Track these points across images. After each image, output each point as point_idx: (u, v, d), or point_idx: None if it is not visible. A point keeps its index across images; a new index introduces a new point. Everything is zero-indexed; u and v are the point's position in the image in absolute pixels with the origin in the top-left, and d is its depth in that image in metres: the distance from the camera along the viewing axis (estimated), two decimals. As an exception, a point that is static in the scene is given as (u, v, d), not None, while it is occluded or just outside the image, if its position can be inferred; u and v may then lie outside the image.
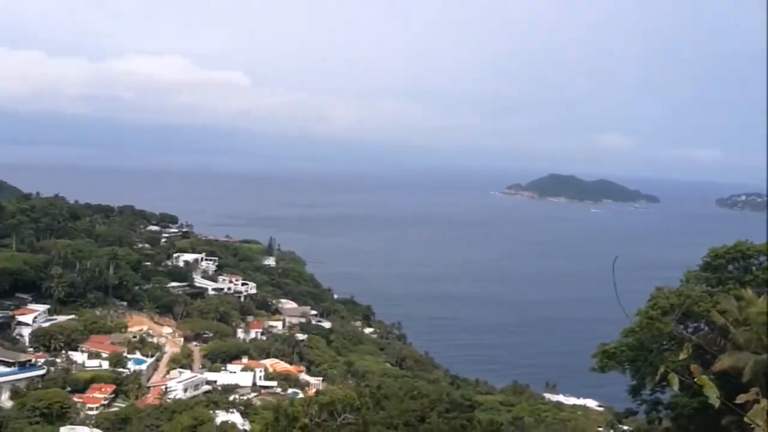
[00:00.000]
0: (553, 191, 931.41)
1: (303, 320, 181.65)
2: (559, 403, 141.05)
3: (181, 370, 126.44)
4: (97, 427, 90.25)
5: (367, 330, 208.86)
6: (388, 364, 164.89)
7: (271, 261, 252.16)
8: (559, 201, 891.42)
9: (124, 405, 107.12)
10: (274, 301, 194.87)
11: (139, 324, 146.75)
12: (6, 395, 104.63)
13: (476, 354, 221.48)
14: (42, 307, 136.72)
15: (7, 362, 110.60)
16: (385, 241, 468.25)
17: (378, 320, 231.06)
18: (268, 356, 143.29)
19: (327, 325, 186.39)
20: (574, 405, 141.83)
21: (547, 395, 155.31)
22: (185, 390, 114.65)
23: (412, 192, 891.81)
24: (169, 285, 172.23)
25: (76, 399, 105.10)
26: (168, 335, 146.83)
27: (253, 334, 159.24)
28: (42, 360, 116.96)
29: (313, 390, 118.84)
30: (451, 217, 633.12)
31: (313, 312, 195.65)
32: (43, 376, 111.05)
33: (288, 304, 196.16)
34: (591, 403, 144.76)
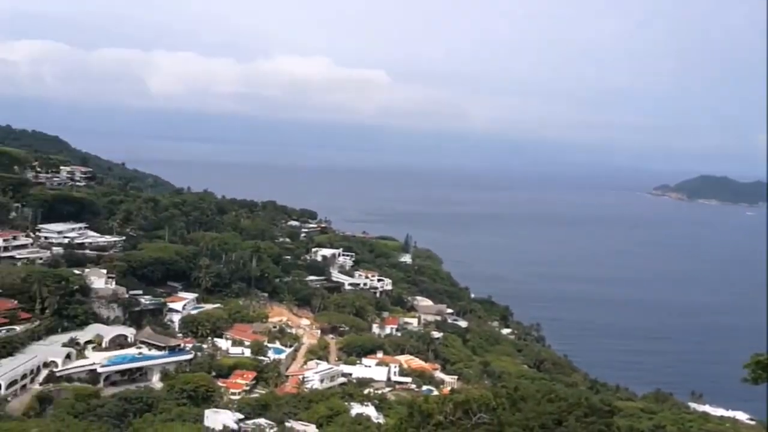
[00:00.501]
0: (703, 193, 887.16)
1: (439, 318, 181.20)
2: (705, 414, 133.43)
3: (318, 361, 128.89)
4: (239, 411, 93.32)
5: (505, 330, 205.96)
6: (525, 366, 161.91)
7: (407, 258, 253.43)
8: (710, 203, 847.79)
9: (264, 392, 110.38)
10: (409, 298, 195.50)
11: (279, 315, 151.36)
12: (157, 377, 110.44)
13: (618, 359, 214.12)
14: (191, 296, 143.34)
15: (159, 346, 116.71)
16: (526, 240, 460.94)
17: (516, 321, 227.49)
18: (402, 352, 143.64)
19: (463, 324, 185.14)
20: (722, 417, 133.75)
21: (693, 405, 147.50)
22: (321, 381, 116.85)
23: (554, 190, 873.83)
24: (307, 278, 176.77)
25: (220, 384, 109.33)
26: (306, 327, 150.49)
27: (388, 330, 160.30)
28: (190, 345, 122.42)
29: (448, 388, 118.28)
30: (596, 218, 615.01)
31: (449, 310, 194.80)
32: (190, 360, 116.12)
33: (423, 302, 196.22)
34: (741, 416, 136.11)
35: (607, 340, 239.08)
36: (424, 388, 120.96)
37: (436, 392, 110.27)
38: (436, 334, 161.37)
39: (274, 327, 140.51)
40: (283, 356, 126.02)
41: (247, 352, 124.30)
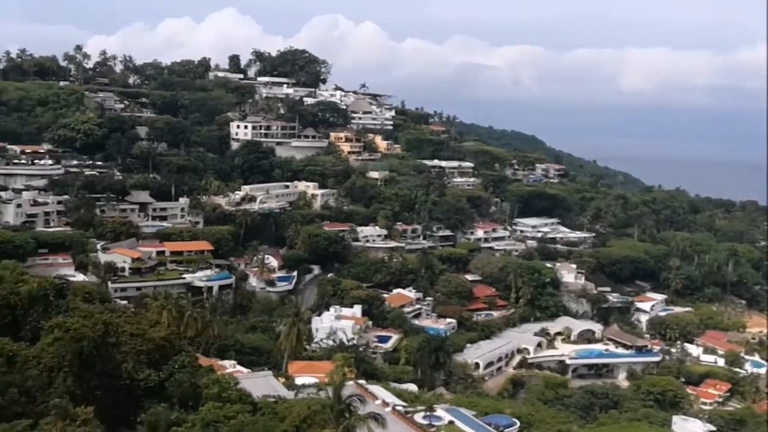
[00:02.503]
0: None
1: None
2: None
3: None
4: (710, 422, 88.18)
5: None
6: None
7: None
8: None
9: (739, 406, 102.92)
10: None
11: (758, 325, 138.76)
12: (623, 375, 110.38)
13: None
14: (659, 297, 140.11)
15: (626, 345, 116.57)
16: None
17: None
18: None
19: None
20: None
21: None
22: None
23: None
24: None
25: (689, 391, 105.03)
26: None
27: None
28: (657, 347, 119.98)
29: None
30: None
31: None
32: (658, 362, 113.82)
33: None
34: None
35: None
36: None
37: None
38: None
39: (753, 338, 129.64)
40: (762, 370, 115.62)
41: (721, 362, 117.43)
